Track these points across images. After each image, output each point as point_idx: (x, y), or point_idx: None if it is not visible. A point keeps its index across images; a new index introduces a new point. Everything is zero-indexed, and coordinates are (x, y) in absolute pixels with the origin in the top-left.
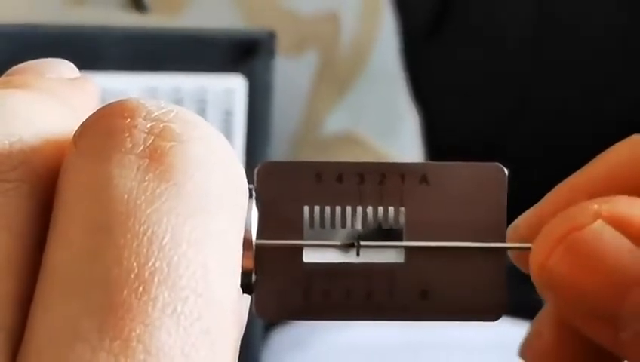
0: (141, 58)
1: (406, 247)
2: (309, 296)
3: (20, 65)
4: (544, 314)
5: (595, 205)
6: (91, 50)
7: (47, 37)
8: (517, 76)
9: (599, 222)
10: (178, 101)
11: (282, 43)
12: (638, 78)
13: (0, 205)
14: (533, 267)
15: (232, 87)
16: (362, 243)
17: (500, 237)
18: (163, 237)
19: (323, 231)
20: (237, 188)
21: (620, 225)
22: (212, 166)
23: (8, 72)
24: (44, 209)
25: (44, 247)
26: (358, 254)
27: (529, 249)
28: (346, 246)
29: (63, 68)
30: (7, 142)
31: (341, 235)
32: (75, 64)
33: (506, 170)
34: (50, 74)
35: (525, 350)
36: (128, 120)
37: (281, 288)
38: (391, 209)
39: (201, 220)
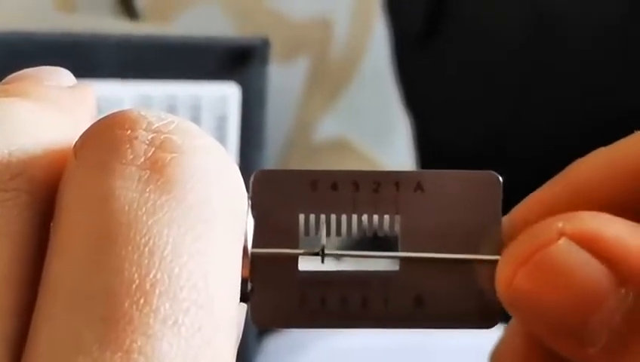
0: (135, 66)
1: (399, 257)
2: (305, 304)
3: (17, 74)
4: (514, 321)
5: (559, 223)
6: (84, 57)
7: (40, 44)
8: (510, 81)
9: (564, 239)
10: (172, 108)
11: (274, 49)
12: (636, 82)
13: None
14: (500, 286)
15: (226, 95)
16: (326, 251)
17: (495, 244)
18: (164, 249)
19: (318, 238)
20: (237, 199)
21: (584, 242)
22: (212, 177)
23: (5, 80)
24: (43, 218)
25: (45, 257)
26: (322, 261)
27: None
28: (311, 255)
29: (61, 76)
30: (6, 151)
31: (334, 243)
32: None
33: (500, 178)
34: (48, 82)
35: (496, 356)
36: (129, 131)
37: (276, 296)
38: (386, 217)
39: (202, 231)
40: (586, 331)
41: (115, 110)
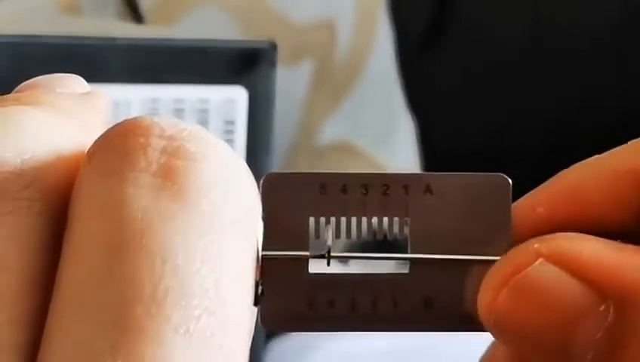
0: (142, 69)
1: (405, 259)
2: (315, 306)
3: (29, 81)
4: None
5: (535, 244)
6: (91, 61)
7: (46, 48)
8: (511, 84)
9: (540, 261)
10: (179, 112)
11: (278, 52)
12: (633, 87)
13: (13, 224)
14: (482, 311)
15: (234, 98)
16: (332, 254)
17: (505, 247)
18: (177, 257)
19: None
20: (250, 207)
21: (560, 262)
22: (226, 184)
23: (18, 88)
24: (57, 226)
25: (58, 265)
26: (328, 264)
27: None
28: (317, 257)
29: (74, 82)
30: (19, 160)
31: (344, 246)
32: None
33: (509, 180)
34: (61, 89)
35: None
36: (142, 138)
37: (286, 299)
38: (395, 219)
39: (215, 239)
40: (569, 350)
41: (123, 114)
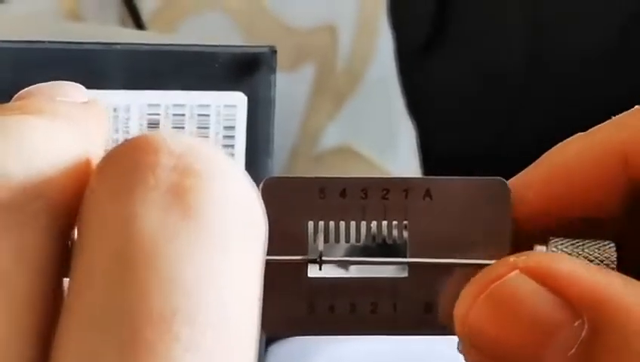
0: (142, 75)
1: (409, 263)
2: (314, 310)
3: (29, 89)
4: None
5: (512, 258)
6: (92, 66)
7: (47, 54)
8: (511, 89)
9: (516, 272)
10: (179, 117)
11: (279, 56)
12: (629, 93)
13: (18, 239)
14: (457, 323)
15: (233, 103)
16: (324, 258)
17: (504, 251)
18: (184, 275)
19: (327, 245)
20: (257, 224)
21: (536, 274)
22: (234, 203)
23: (17, 95)
24: (63, 240)
25: (66, 276)
26: (320, 268)
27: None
28: (310, 262)
29: (73, 91)
30: (23, 173)
31: (343, 250)
32: (75, 81)
33: (508, 184)
34: (61, 97)
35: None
36: (152, 156)
37: (286, 303)
38: (394, 223)
39: (223, 257)
40: None
41: (122, 119)
